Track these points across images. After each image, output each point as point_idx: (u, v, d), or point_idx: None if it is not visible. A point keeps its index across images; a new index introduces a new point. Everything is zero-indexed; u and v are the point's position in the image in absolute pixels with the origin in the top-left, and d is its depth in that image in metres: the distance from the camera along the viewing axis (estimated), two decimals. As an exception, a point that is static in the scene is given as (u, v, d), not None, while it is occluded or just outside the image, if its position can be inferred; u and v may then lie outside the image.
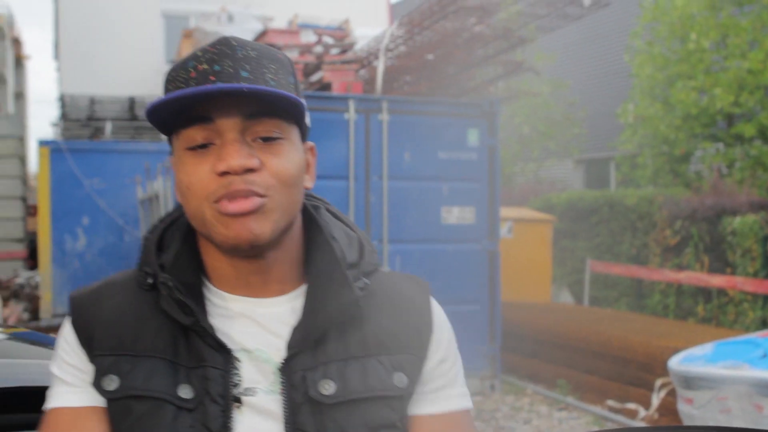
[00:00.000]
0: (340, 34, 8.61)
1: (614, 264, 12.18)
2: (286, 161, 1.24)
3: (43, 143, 12.69)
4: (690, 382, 5.30)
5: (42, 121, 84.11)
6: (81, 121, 13.70)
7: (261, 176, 1.21)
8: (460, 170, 7.96)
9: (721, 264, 10.76)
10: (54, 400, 1.29)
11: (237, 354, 1.26)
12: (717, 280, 10.17)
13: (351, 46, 8.54)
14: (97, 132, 13.62)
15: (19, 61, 36.53)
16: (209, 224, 1.23)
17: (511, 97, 9.23)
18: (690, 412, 5.30)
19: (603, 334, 8.48)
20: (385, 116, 7.58)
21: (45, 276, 12.53)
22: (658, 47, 13.44)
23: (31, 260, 16.44)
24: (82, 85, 15.42)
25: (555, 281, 13.38)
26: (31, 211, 16.68)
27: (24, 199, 17.62)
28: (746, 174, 12.13)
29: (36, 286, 13.27)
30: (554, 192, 16.03)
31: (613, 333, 8.43)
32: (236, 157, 1.19)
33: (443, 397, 1.34)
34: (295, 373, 1.25)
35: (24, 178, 17.96)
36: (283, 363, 1.26)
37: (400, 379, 1.29)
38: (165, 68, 16.61)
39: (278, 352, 1.27)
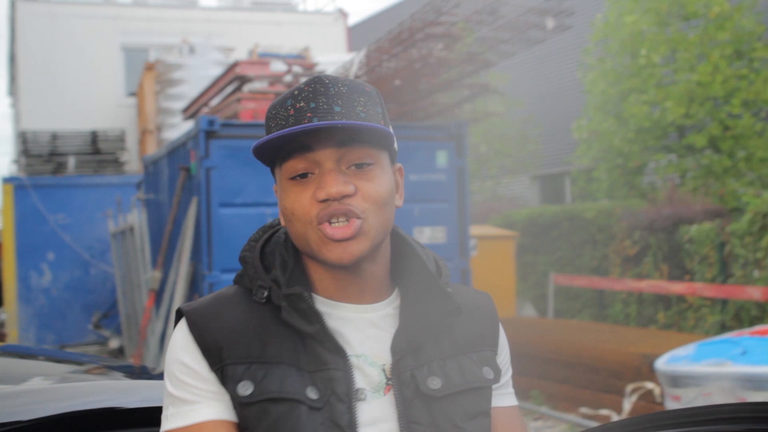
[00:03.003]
0: (309, 64, 8.82)
1: (577, 276, 12.50)
2: (378, 185, 1.41)
3: (6, 180, 12.67)
4: (677, 380, 5.67)
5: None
6: (43, 157, 13.68)
7: (356, 200, 1.38)
8: (430, 191, 8.16)
9: (680, 271, 11.14)
10: (177, 420, 1.39)
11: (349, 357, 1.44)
12: (677, 287, 10.53)
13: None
14: (60, 167, 13.61)
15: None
16: (313, 245, 1.40)
17: (477, 119, 9.49)
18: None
19: (573, 345, 8.77)
20: (356, 142, 7.77)
21: (11, 313, 12.45)
22: (609, 63, 13.83)
23: (-3, 298, 16.32)
24: (41, 121, 15.38)
25: (518, 295, 13.65)
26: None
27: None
28: (699, 183, 12.55)
29: (2, 324, 13.19)
30: (513, 208, 16.35)
31: (583, 343, 8.73)
32: (334, 184, 1.36)
33: (510, 392, 1.59)
34: (404, 372, 1.44)
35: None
36: (392, 364, 1.44)
37: (488, 372, 1.51)
38: (126, 101, 16.65)
39: (381, 355, 1.46)
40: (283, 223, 1.48)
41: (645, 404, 7.31)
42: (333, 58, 11.57)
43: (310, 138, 1.38)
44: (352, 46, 18.57)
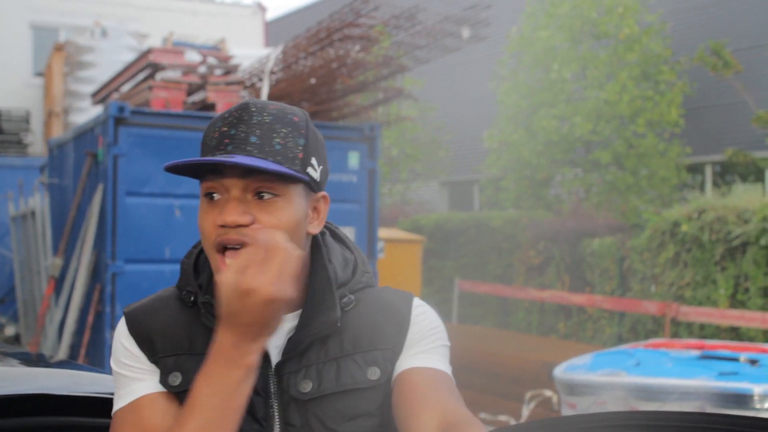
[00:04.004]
0: (224, 56, 8.71)
1: (481, 283, 12.68)
2: (278, 217, 1.47)
3: None
4: (573, 388, 5.82)
5: None
6: (-58, 134, 13.19)
7: (252, 230, 1.45)
8: (340, 192, 8.15)
9: (581, 283, 11.41)
10: (127, 397, 1.52)
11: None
12: (578, 299, 10.78)
13: (235, 68, 8.65)
14: (-41, 145, 13.14)
15: None
16: (215, 269, 1.49)
17: (390, 122, 9.53)
18: (572, 417, 5.78)
19: (475, 350, 8.89)
20: (269, 138, 7.71)
21: None
22: (522, 76, 14.07)
23: None
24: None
25: (424, 300, 13.72)
26: None
27: None
28: (603, 198, 12.89)
29: None
30: (421, 213, 16.49)
31: (485, 348, 8.86)
32: (230, 213, 1.45)
33: (422, 358, 1.55)
34: (283, 376, 1.52)
35: None
36: (274, 369, 1.53)
37: (373, 373, 1.54)
38: (33, 81, 16.15)
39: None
40: None
41: (543, 411, 7.47)
42: (249, 52, 11.46)
43: (219, 166, 1.46)
44: (270, 42, 18.45)
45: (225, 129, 1.47)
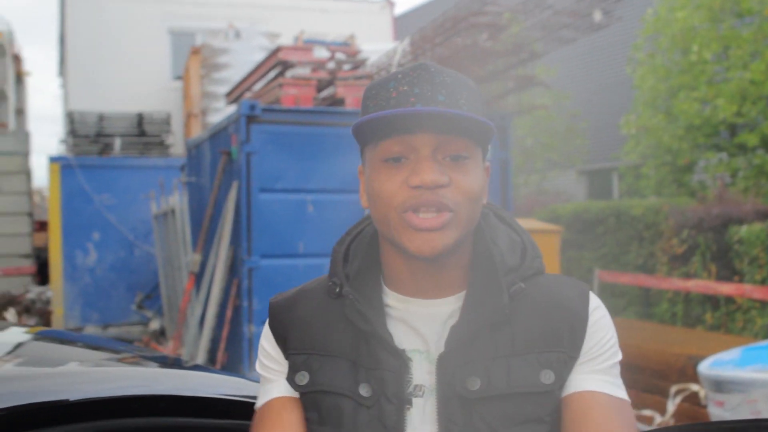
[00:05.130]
0: (352, 51, 8.73)
1: (622, 273, 12.29)
2: (472, 179, 1.36)
3: (53, 159, 12.77)
4: (720, 385, 5.47)
5: (41, 137, 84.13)
6: (90, 137, 13.75)
7: (449, 192, 1.34)
8: (473, 183, 8.05)
9: (729, 272, 10.88)
10: (261, 399, 1.50)
11: (411, 354, 1.39)
12: (725, 288, 10.28)
13: (363, 62, 8.65)
14: (106, 148, 13.68)
15: (19, 78, 36.70)
16: (395, 231, 1.35)
17: (521, 111, 9.34)
18: (721, 414, 5.46)
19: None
20: (399, 130, 7.68)
21: (56, 291, 12.60)
22: (660, 59, 13.58)
23: (39, 275, 16.52)
24: (89, 102, 15.52)
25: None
26: (37, 226, 16.76)
27: (30, 215, 17.71)
28: (750, 183, 12.27)
29: (47, 301, 13.32)
30: (558, 203, 16.16)
31: (627, 341, 8.53)
32: (429, 172, 1.32)
33: (601, 381, 1.41)
34: (447, 369, 1.37)
35: (30, 194, 18.04)
36: (437, 361, 1.38)
37: (547, 376, 1.38)
38: (172, 85, 16.71)
39: (440, 351, 1.40)
40: (365, 205, 1.45)
41: (689, 406, 7.12)
42: (378, 46, 11.47)
43: (411, 123, 1.34)
44: (398, 36, 18.46)
45: (406, 88, 1.35)
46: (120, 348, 2.89)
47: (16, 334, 2.61)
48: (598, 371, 1.42)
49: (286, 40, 13.68)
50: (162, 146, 13.88)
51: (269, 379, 1.50)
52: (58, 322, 12.32)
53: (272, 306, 1.53)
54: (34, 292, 13.56)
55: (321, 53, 8.85)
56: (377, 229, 1.43)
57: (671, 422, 7.26)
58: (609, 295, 12.99)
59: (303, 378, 1.44)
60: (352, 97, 8.01)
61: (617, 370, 1.45)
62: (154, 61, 16.68)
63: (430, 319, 1.42)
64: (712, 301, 10.98)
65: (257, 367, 1.54)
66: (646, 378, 7.98)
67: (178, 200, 9.23)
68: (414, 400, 1.38)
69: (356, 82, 8.18)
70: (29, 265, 16.87)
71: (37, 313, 12.77)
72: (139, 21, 16.60)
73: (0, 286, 13.55)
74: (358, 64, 8.69)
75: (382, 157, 1.37)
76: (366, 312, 1.40)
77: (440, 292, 1.43)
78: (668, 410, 7.28)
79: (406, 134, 1.34)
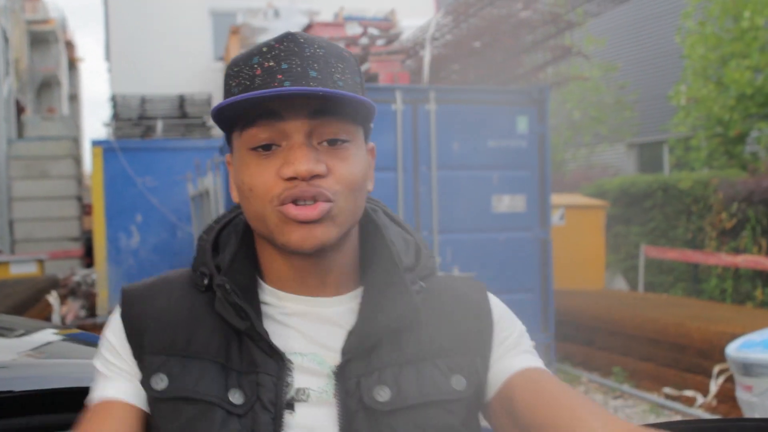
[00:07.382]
0: (386, 25, 8.58)
1: (669, 249, 11.99)
2: (353, 166, 1.20)
3: (96, 143, 12.87)
4: (749, 368, 5.18)
5: (97, 122, 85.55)
6: (132, 120, 13.82)
7: (327, 182, 1.17)
8: (510, 158, 7.86)
9: (780, 247, 10.56)
10: (93, 396, 1.26)
11: (291, 357, 1.23)
12: (776, 263, 9.97)
13: (396, 36, 8.49)
14: (149, 130, 13.74)
15: (72, 64, 37.25)
16: (272, 226, 1.19)
17: (560, 82, 9.10)
18: (749, 399, 5.18)
19: (659, 321, 8.36)
20: (432, 106, 7.52)
21: (101, 273, 12.72)
22: (710, 27, 13.17)
23: (88, 258, 16.74)
24: (133, 85, 15.62)
25: (609, 267, 13.22)
26: (87, 210, 16.98)
27: (80, 199, 17.95)
28: (804, 154, 11.87)
29: (92, 284, 13.48)
30: (606, 177, 15.85)
31: (669, 319, 8.30)
32: (304, 162, 1.15)
33: (531, 359, 1.28)
34: (349, 379, 1.22)
35: (79, 178, 18.28)
36: (337, 369, 1.22)
37: (458, 382, 1.25)
38: (214, 65, 16.74)
39: (333, 355, 1.24)
40: (236, 199, 1.27)
41: (732, 386, 6.87)
42: (419, 21, 11.31)
43: (279, 104, 1.17)
44: (440, 9, 18.21)
45: (272, 63, 1.16)
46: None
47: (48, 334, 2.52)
48: (525, 352, 1.29)
49: (325, 17, 13.58)
50: (203, 127, 13.90)
51: (107, 376, 1.25)
52: (102, 304, 12.45)
53: (126, 294, 1.30)
54: (79, 274, 13.73)
55: (353, 29, 8.72)
56: (252, 226, 1.25)
57: (714, 403, 7.03)
58: (656, 272, 12.70)
59: (160, 382, 1.21)
60: (385, 72, 7.88)
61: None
62: (196, 42, 16.72)
63: (317, 319, 1.26)
64: (763, 276, 10.64)
65: (95, 361, 1.29)
66: (688, 357, 7.74)
67: (212, 181, 9.20)
68: (297, 406, 1.21)
69: (389, 57, 8.04)
70: (77, 248, 17.13)
71: (82, 296, 12.92)
72: (181, 2, 16.62)
73: (48, 269, 13.72)
74: (391, 39, 8.54)
75: (249, 145, 1.20)
76: (243, 306, 1.22)
77: (326, 289, 1.27)
78: (711, 391, 7.05)
79: (275, 119, 1.17)
